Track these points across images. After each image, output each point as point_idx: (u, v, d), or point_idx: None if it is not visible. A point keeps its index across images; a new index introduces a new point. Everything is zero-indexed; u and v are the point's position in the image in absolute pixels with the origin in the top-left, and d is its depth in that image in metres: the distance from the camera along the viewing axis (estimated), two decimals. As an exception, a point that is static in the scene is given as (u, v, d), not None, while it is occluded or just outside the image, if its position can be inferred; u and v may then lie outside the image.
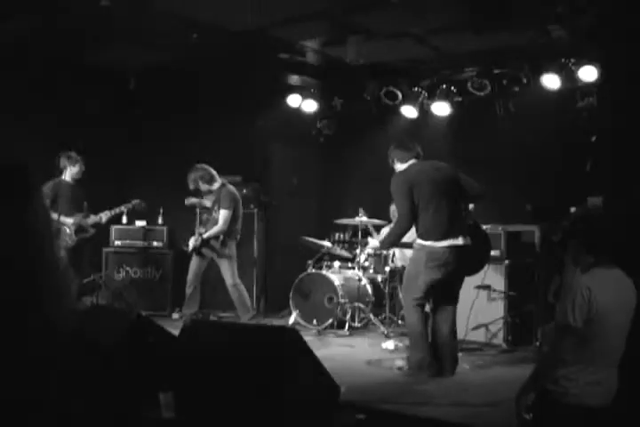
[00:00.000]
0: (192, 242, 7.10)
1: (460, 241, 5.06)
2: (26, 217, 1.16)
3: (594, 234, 3.08)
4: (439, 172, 5.22)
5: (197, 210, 7.75)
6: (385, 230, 7.78)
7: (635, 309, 3.05)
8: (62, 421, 1.11)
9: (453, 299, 5.26)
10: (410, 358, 5.18)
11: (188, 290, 7.09)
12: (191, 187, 7.11)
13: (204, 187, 7.10)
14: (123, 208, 7.39)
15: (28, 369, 1.09)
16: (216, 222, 7.03)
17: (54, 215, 6.94)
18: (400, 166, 5.31)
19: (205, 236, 7.03)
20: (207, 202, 7.22)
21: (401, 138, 5.66)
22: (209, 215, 7.20)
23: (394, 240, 5.37)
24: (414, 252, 5.23)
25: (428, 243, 5.06)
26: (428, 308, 5.33)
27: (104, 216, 7.25)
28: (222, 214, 6.99)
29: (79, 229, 7.17)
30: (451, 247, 5.03)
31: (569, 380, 2.93)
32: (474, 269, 5.46)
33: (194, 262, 7.13)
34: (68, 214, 7.08)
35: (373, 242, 6.20)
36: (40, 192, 1.23)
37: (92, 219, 7.22)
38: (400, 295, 7.07)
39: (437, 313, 5.23)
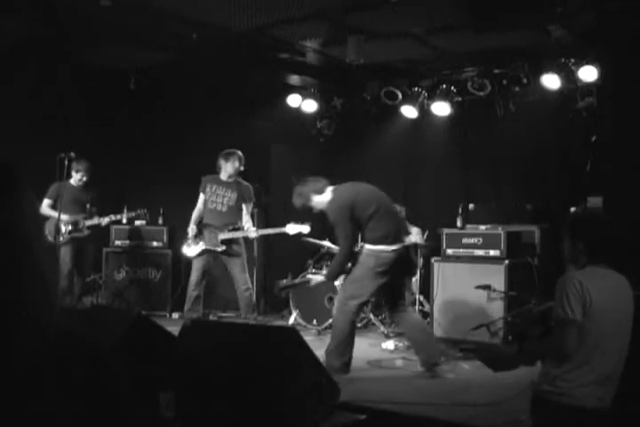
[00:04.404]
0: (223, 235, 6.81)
1: (406, 241, 5.25)
2: (11, 215, 1.14)
3: (591, 235, 3.07)
4: (366, 187, 5.40)
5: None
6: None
7: (634, 310, 3.03)
8: (49, 421, 1.09)
9: (402, 296, 5.51)
10: (332, 364, 5.02)
11: (193, 293, 6.82)
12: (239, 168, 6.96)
13: (236, 169, 6.97)
14: (126, 215, 7.46)
15: (14, 370, 1.08)
16: (235, 214, 6.93)
17: (54, 213, 6.95)
18: (320, 198, 5.29)
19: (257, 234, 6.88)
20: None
21: (299, 179, 5.51)
22: (221, 202, 6.95)
23: (341, 269, 5.35)
24: (363, 257, 5.22)
25: (381, 247, 5.13)
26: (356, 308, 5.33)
27: (104, 220, 7.33)
28: (250, 211, 7.00)
29: (74, 227, 7.21)
30: (399, 249, 5.15)
31: (565, 380, 2.90)
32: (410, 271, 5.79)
33: (200, 261, 6.90)
34: (67, 213, 7.12)
35: (316, 277, 6.09)
36: (28, 190, 1.20)
37: (92, 221, 7.29)
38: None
39: (400, 311, 5.35)
